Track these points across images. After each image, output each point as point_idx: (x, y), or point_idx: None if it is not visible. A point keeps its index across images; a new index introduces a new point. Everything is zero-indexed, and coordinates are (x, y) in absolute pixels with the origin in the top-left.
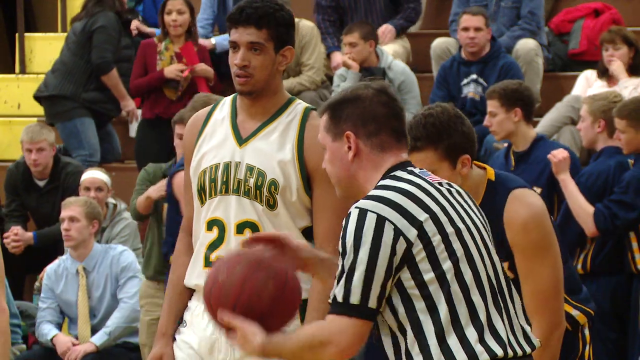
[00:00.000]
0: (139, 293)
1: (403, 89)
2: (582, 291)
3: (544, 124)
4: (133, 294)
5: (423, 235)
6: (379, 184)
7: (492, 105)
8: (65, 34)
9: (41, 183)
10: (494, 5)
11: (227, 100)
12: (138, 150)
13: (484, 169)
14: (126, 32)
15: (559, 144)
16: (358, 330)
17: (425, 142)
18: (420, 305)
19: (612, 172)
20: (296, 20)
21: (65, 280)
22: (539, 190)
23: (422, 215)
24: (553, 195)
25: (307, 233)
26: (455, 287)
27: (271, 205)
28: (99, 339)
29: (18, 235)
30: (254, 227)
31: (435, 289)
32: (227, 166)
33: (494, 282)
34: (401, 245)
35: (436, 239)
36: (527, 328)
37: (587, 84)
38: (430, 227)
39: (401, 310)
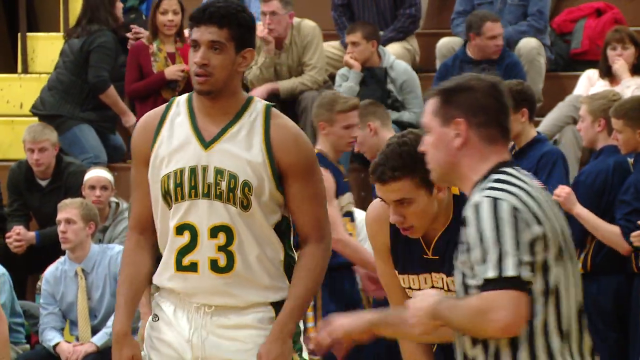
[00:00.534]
0: None
1: (405, 88)
2: None
3: (546, 123)
4: None
5: (544, 243)
6: (495, 177)
7: None
8: None
9: (43, 183)
10: (499, 3)
11: (180, 101)
12: None
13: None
14: (123, 49)
15: (554, 147)
16: (519, 302)
17: (402, 172)
18: None
19: (612, 171)
20: (298, 20)
21: (64, 283)
22: None
23: (543, 223)
24: None
25: (277, 228)
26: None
27: (245, 207)
28: (100, 339)
29: (20, 235)
30: (227, 230)
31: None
32: (193, 170)
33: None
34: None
35: (550, 255)
36: None
37: (589, 84)
38: (547, 239)
39: None
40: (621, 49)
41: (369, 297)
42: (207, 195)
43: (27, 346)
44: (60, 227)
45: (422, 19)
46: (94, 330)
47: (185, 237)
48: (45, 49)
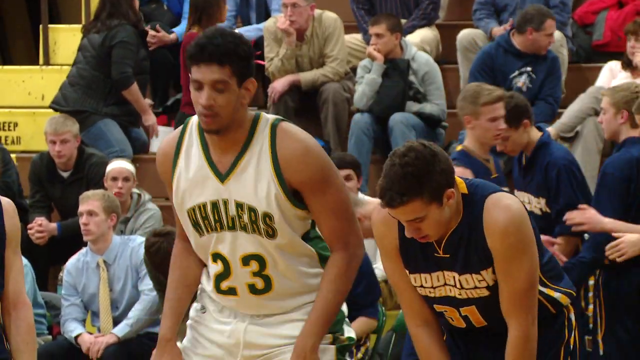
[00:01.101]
0: None
1: (427, 80)
2: (564, 279)
3: (568, 115)
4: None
5: None
6: None
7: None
8: None
9: (65, 174)
10: None
11: (192, 127)
12: None
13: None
14: (143, 43)
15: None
16: None
17: (410, 196)
18: None
19: (636, 161)
20: (319, 12)
21: (86, 274)
22: (543, 200)
23: None
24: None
25: (306, 235)
26: None
27: (271, 235)
28: (121, 330)
29: (42, 226)
30: (259, 258)
31: None
32: (215, 205)
33: None
34: None
35: None
36: None
37: (611, 75)
38: None
39: None
40: (634, 40)
41: None
42: (232, 228)
43: (49, 337)
44: (82, 219)
45: (443, 10)
46: (116, 322)
47: (219, 265)
48: (67, 41)
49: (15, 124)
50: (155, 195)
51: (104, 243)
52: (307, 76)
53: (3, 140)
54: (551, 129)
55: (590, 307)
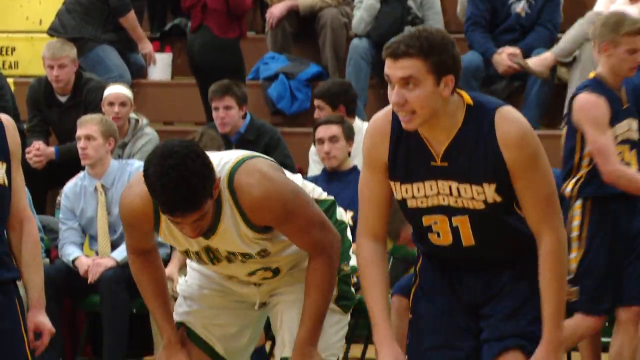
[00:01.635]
0: None
1: (425, 4)
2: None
3: (566, 39)
4: None
5: None
6: None
7: None
8: None
9: (63, 99)
10: None
11: None
12: None
13: (460, 95)
14: None
15: None
16: None
17: (417, 51)
18: None
19: None
20: None
21: (84, 198)
22: None
23: None
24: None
25: None
26: None
27: (266, 255)
28: (120, 254)
29: (40, 150)
30: (263, 268)
31: None
32: (207, 250)
33: None
34: None
35: None
36: None
37: (609, 1)
38: None
39: None
40: None
41: None
42: (230, 261)
43: (47, 260)
44: (80, 144)
45: None
46: (113, 245)
47: (226, 276)
48: None
49: (13, 49)
50: (153, 120)
51: (102, 167)
52: (305, 1)
53: (1, 65)
54: (549, 54)
55: None
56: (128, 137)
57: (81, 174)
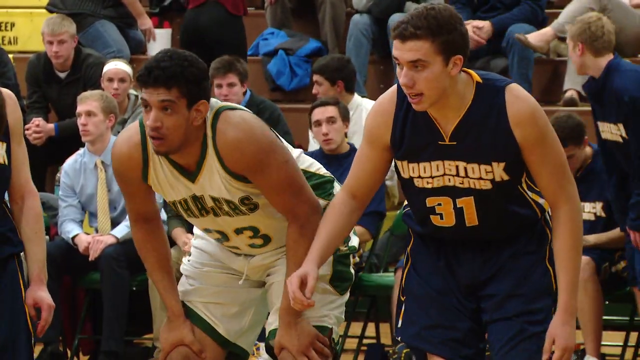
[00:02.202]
0: None
1: None
2: None
3: (565, 15)
4: None
5: None
6: None
7: None
8: None
9: (62, 75)
10: None
11: None
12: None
13: (468, 73)
14: None
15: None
16: None
17: (425, 32)
18: None
19: None
20: None
21: (83, 175)
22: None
23: None
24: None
25: None
26: None
27: (254, 209)
28: (120, 231)
29: (40, 127)
30: (251, 228)
31: None
32: (194, 198)
33: None
34: None
35: None
36: None
37: None
38: None
39: None
40: None
41: None
42: (216, 214)
43: (47, 238)
44: (81, 120)
45: None
46: (113, 222)
47: (215, 234)
48: None
49: (13, 24)
50: None
51: (102, 143)
52: None
53: (0, 41)
54: (549, 29)
55: None
56: (128, 113)
57: (81, 150)
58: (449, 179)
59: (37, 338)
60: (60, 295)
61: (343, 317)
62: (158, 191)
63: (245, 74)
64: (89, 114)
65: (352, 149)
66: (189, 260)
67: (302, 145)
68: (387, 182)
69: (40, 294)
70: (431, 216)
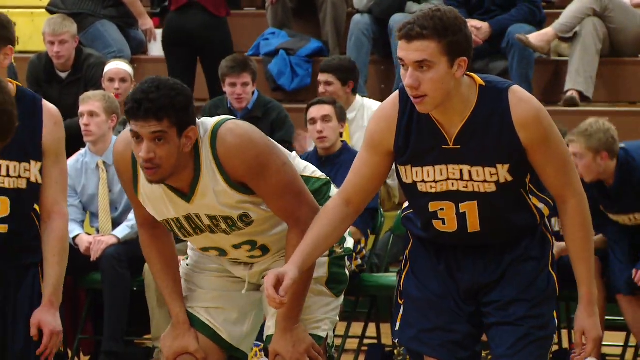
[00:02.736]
0: None
1: None
2: (545, 189)
3: (566, 15)
4: None
5: None
6: None
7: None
8: None
9: (63, 75)
10: None
11: None
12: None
13: (470, 76)
14: None
15: None
16: None
17: (431, 32)
18: None
19: None
20: None
21: (85, 175)
22: None
23: None
24: None
25: None
26: None
27: (250, 223)
28: (122, 231)
29: None
30: (248, 242)
31: None
32: (187, 217)
33: None
34: None
35: None
36: None
37: None
38: None
39: None
40: None
41: None
42: (212, 232)
43: None
44: (84, 120)
45: None
46: (115, 223)
47: (214, 252)
48: None
49: (13, 24)
50: None
51: (104, 144)
52: None
53: None
54: (550, 30)
55: None
56: None
57: (82, 150)
58: (453, 183)
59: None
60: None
61: (337, 318)
62: (147, 208)
63: (256, 73)
64: (91, 114)
65: (344, 148)
66: (187, 265)
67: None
68: (389, 182)
69: (45, 318)
70: (433, 221)
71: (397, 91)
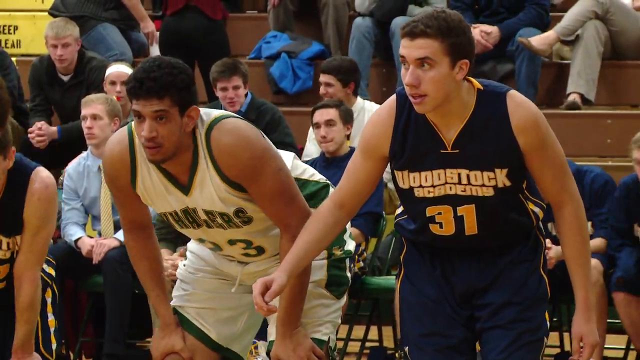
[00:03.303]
0: None
1: None
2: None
3: (568, 18)
4: None
5: None
6: None
7: None
8: None
9: (65, 78)
10: None
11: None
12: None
13: (469, 80)
14: None
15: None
16: None
17: (435, 31)
18: None
19: None
20: None
21: (87, 178)
22: None
23: None
24: None
25: None
26: None
27: (247, 222)
28: (123, 235)
29: (42, 130)
30: (243, 240)
31: None
32: (185, 210)
33: None
34: None
35: None
36: None
37: None
38: None
39: None
40: None
41: None
42: (209, 226)
43: (50, 242)
44: (87, 123)
45: None
46: (117, 226)
47: (209, 244)
48: None
49: (16, 27)
50: None
51: None
52: None
53: (3, 44)
54: (552, 33)
55: None
56: (130, 117)
57: (84, 153)
58: (450, 187)
59: None
60: (63, 298)
61: (339, 320)
62: (147, 202)
63: (247, 75)
64: (94, 117)
65: (352, 152)
66: (184, 265)
67: (305, 148)
68: (390, 186)
69: None
70: (430, 225)
71: (394, 95)
